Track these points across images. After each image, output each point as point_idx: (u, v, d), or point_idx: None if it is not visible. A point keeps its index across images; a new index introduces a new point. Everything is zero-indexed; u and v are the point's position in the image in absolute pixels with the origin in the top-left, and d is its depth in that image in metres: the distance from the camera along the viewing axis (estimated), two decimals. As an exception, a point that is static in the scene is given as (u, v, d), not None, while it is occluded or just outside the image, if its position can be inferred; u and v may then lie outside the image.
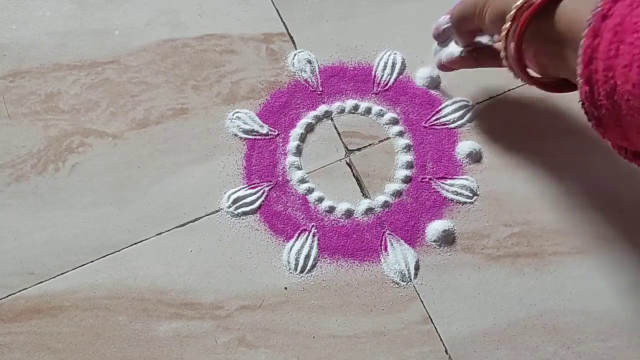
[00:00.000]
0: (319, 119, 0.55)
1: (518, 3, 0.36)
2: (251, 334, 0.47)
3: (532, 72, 0.41)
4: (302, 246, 0.50)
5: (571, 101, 0.55)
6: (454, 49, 0.50)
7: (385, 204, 0.52)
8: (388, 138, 0.54)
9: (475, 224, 0.51)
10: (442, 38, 0.51)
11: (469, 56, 0.48)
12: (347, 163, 0.53)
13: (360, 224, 0.51)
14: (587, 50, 0.29)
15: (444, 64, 0.51)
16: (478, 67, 0.50)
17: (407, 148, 0.54)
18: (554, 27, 0.34)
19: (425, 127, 0.55)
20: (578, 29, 0.31)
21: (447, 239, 0.50)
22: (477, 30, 0.44)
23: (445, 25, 0.49)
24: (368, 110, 0.55)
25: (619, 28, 0.28)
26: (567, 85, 0.39)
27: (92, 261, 0.49)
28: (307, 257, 0.50)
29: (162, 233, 0.50)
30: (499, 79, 0.56)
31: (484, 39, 0.49)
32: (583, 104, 0.32)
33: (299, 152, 0.53)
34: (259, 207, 0.51)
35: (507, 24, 0.37)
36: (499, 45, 0.46)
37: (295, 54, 0.57)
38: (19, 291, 0.48)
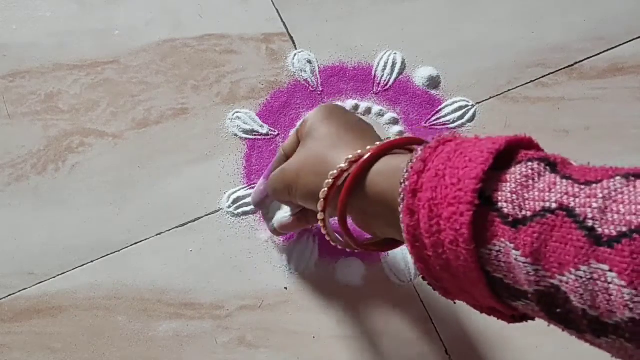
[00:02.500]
0: (319, 119, 0.55)
1: (329, 180, 0.34)
2: (251, 334, 0.47)
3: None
4: (302, 246, 0.50)
5: (571, 101, 0.55)
6: (283, 214, 0.46)
7: (385, 204, 0.52)
8: (388, 138, 0.54)
9: (475, 224, 0.51)
10: (263, 206, 0.48)
11: (299, 218, 0.44)
12: (347, 163, 0.53)
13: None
14: (409, 229, 0.27)
15: (277, 230, 0.47)
16: (310, 225, 0.47)
17: (407, 148, 0.54)
18: (369, 202, 0.32)
19: (425, 127, 0.55)
20: (392, 205, 0.29)
21: (447, 239, 0.50)
22: None
23: (263, 195, 0.46)
24: (368, 110, 0.55)
25: (433, 202, 0.26)
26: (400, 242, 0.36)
27: (92, 261, 0.49)
28: (307, 257, 0.50)
29: (162, 233, 0.50)
30: (499, 78, 0.56)
31: None
32: (424, 278, 0.30)
33: (299, 152, 0.53)
34: (259, 207, 0.51)
35: (321, 206, 0.35)
36: None
37: (295, 54, 0.56)
38: (19, 291, 0.48)
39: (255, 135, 0.54)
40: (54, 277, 0.49)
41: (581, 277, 0.22)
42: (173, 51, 0.56)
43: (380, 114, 0.55)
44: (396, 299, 0.48)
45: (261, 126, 0.54)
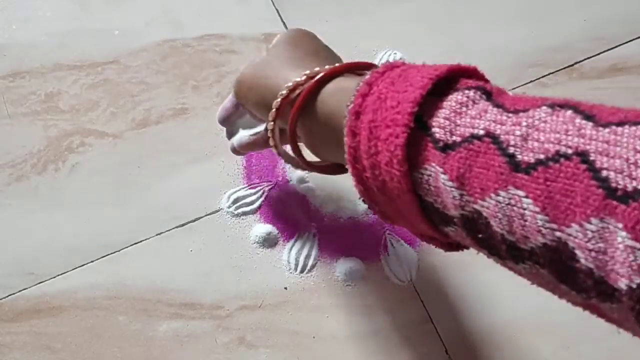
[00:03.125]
0: (319, 119, 0.55)
1: (283, 92, 0.33)
2: (251, 334, 0.47)
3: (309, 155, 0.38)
4: (302, 246, 0.50)
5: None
6: (245, 133, 0.45)
7: (385, 204, 0.52)
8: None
9: (475, 224, 0.51)
10: (228, 123, 0.45)
11: (258, 138, 0.43)
12: (347, 163, 0.53)
13: (360, 224, 0.51)
14: (350, 150, 0.28)
15: (236, 149, 0.46)
16: (267, 147, 0.45)
17: (407, 148, 0.54)
18: (319, 121, 0.32)
19: (425, 127, 0.55)
20: (339, 126, 0.29)
21: (447, 239, 0.50)
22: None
23: (229, 111, 0.43)
24: (368, 110, 0.55)
25: (373, 124, 0.27)
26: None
27: (92, 261, 0.49)
28: (307, 257, 0.50)
29: (162, 233, 0.50)
30: (499, 78, 0.56)
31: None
32: (364, 201, 0.30)
33: (299, 152, 0.53)
34: (259, 207, 0.51)
35: (272, 116, 0.34)
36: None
37: (295, 54, 0.56)
38: (19, 291, 0.48)
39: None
40: (54, 277, 0.49)
41: (500, 202, 0.23)
42: (173, 51, 0.56)
43: (380, 114, 0.55)
44: (396, 299, 0.48)
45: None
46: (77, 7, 0.57)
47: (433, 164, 0.25)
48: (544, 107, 0.23)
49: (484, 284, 0.49)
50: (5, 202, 0.51)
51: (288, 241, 0.50)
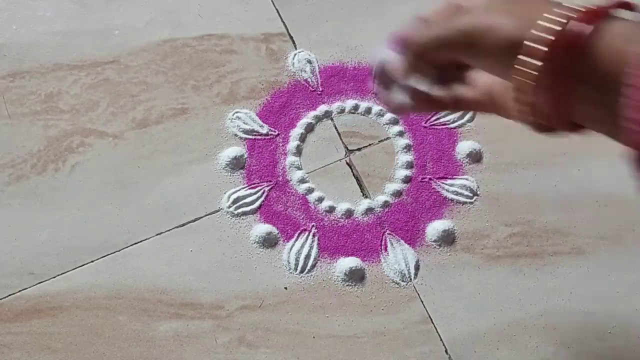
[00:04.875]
0: (319, 119, 0.55)
1: (563, 20, 0.25)
2: (251, 334, 0.47)
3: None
4: (302, 246, 0.50)
5: (571, 101, 0.55)
6: (423, 86, 0.33)
7: (385, 204, 0.52)
8: (388, 138, 0.54)
9: (475, 224, 0.51)
10: (386, 78, 0.33)
11: (449, 98, 0.33)
12: (347, 163, 0.53)
13: (360, 224, 0.51)
14: (635, 104, 0.23)
15: (403, 108, 0.34)
16: (456, 111, 0.35)
17: (407, 148, 0.54)
18: (593, 68, 0.25)
19: (425, 127, 0.55)
20: (619, 75, 0.24)
21: (447, 239, 0.50)
22: (448, 65, 0.30)
23: (392, 61, 0.32)
24: (368, 110, 0.55)
25: None
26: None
27: (92, 261, 0.49)
28: (307, 257, 0.50)
29: (162, 233, 0.50)
30: (499, 79, 0.56)
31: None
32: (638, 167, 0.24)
33: (299, 152, 0.53)
34: (259, 207, 0.51)
35: (538, 63, 0.25)
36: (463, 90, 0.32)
37: (295, 54, 0.57)
38: (19, 291, 0.48)
39: (255, 135, 0.54)
40: (54, 277, 0.49)
41: None
42: (173, 51, 0.56)
43: (380, 114, 0.55)
44: (396, 299, 0.49)
45: (261, 126, 0.54)
46: (77, 7, 0.57)
47: None
48: None
49: (484, 284, 0.49)
50: (5, 202, 0.51)
51: (288, 241, 0.50)
